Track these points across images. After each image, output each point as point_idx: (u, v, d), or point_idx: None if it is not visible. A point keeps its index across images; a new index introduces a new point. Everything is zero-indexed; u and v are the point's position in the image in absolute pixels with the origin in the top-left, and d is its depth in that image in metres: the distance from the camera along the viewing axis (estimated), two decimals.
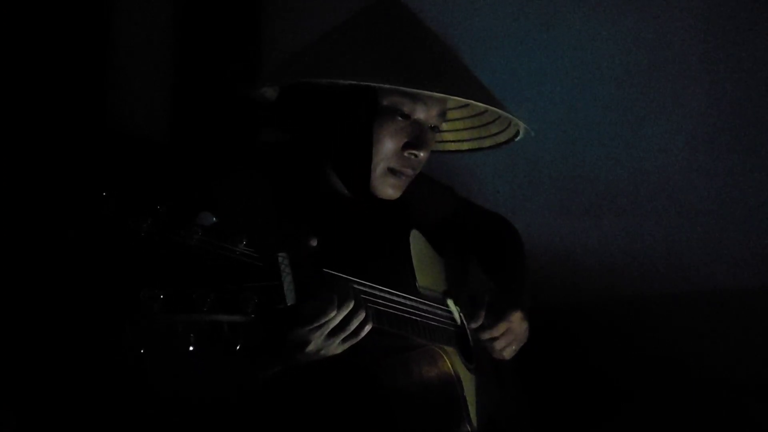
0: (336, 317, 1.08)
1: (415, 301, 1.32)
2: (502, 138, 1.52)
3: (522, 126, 1.42)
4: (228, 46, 2.13)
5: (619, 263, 2.13)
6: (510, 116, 1.38)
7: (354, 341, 1.13)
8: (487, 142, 1.55)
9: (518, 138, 1.48)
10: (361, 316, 1.12)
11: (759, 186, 1.98)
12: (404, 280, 1.36)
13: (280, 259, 1.01)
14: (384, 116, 1.30)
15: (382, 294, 1.22)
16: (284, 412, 1.27)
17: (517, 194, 2.15)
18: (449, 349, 1.38)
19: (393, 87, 1.24)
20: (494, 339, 1.45)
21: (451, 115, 1.50)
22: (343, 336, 1.11)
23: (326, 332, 1.08)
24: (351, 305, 1.09)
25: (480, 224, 1.72)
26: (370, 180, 1.33)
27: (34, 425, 1.58)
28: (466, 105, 1.48)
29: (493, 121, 1.50)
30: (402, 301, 1.27)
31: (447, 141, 1.58)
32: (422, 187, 1.59)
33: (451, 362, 1.36)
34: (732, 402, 1.94)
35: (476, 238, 1.70)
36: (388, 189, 1.36)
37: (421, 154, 1.34)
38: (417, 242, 1.43)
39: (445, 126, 1.53)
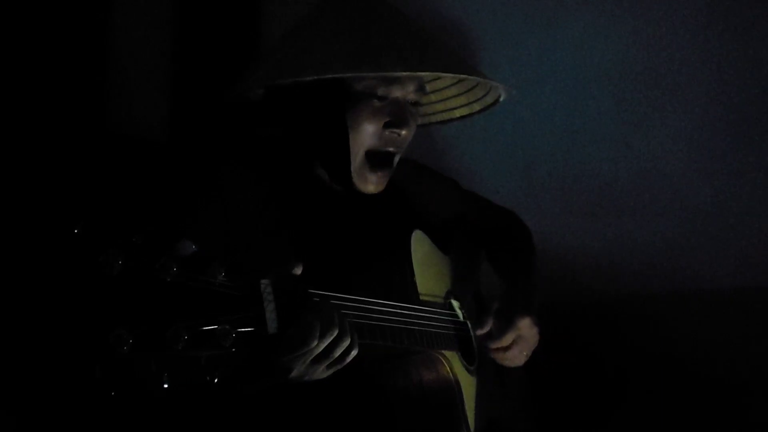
0: (319, 346, 1.04)
1: (412, 309, 1.30)
2: (489, 99, 1.51)
3: (501, 87, 1.42)
4: (228, 46, 2.13)
5: (618, 263, 2.13)
6: (486, 80, 1.37)
7: (339, 367, 1.11)
8: (476, 106, 1.54)
9: (502, 98, 1.48)
10: (346, 343, 1.08)
11: (759, 186, 1.98)
12: (403, 282, 1.34)
13: (262, 286, 0.98)
14: (360, 101, 1.29)
15: (373, 307, 1.20)
16: (283, 415, 1.27)
17: (516, 194, 2.15)
18: (450, 352, 1.37)
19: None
20: (504, 349, 1.44)
21: (435, 86, 1.50)
22: (327, 363, 1.08)
23: (309, 360, 1.05)
24: (335, 333, 1.06)
25: (488, 219, 1.71)
26: (350, 170, 1.32)
27: (34, 425, 1.57)
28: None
29: (477, 84, 1.49)
30: (397, 311, 1.25)
31: (438, 112, 1.58)
32: (426, 181, 1.58)
33: (451, 366, 1.35)
34: (732, 402, 1.94)
35: (484, 234, 1.67)
36: (369, 186, 1.35)
37: (404, 132, 1.33)
38: (419, 243, 1.41)
39: (433, 97, 1.52)
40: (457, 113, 1.57)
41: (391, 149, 1.34)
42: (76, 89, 1.85)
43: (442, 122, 1.60)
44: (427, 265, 1.42)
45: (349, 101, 1.30)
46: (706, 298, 2.05)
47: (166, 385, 0.89)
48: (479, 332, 1.44)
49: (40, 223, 1.56)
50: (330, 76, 1.23)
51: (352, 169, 1.32)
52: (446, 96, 1.55)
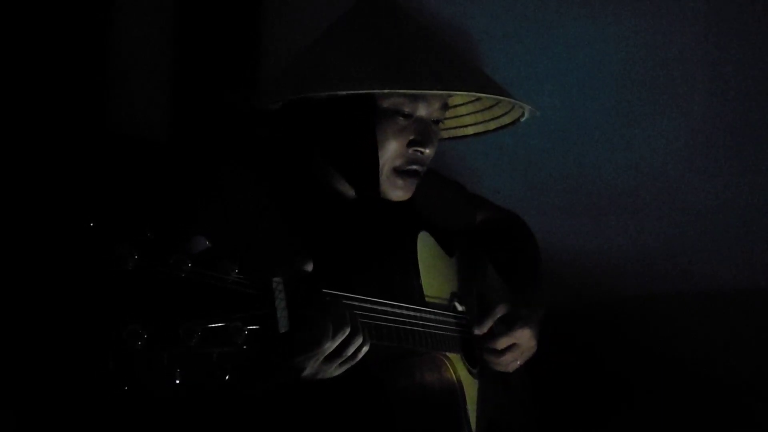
0: (331, 345, 1.05)
1: (418, 310, 1.30)
2: (506, 120, 1.51)
3: (527, 107, 1.41)
4: (228, 47, 2.13)
5: (619, 263, 2.13)
6: (514, 101, 1.37)
7: (351, 364, 1.11)
8: (492, 125, 1.54)
9: (523, 119, 1.48)
10: (358, 341, 1.09)
11: (759, 186, 1.98)
12: (409, 284, 1.35)
13: (274, 284, 0.98)
14: (386, 118, 1.30)
15: (382, 308, 1.20)
16: (284, 414, 1.27)
17: (517, 195, 2.15)
18: (453, 354, 1.37)
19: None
20: (497, 352, 1.44)
21: (451, 102, 1.50)
22: (339, 361, 1.09)
23: (321, 359, 1.06)
24: (347, 332, 1.06)
25: (492, 221, 1.71)
26: (379, 182, 1.33)
27: (34, 425, 1.57)
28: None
29: (497, 104, 1.48)
30: (403, 312, 1.26)
31: (449, 128, 1.57)
32: (431, 183, 1.58)
33: (454, 368, 1.35)
34: (732, 402, 1.94)
35: (488, 236, 1.68)
36: (398, 191, 1.35)
37: (427, 151, 1.34)
38: (425, 244, 1.41)
39: (447, 113, 1.52)
40: (471, 130, 1.57)
41: (414, 168, 1.34)
42: (76, 89, 1.85)
43: (453, 138, 1.59)
44: (432, 267, 1.42)
45: (375, 117, 1.30)
46: (707, 298, 2.05)
47: (177, 381, 0.89)
48: (476, 331, 1.44)
49: (52, 218, 1.56)
50: (366, 91, 1.23)
51: (380, 180, 1.33)
52: (460, 113, 1.55)
